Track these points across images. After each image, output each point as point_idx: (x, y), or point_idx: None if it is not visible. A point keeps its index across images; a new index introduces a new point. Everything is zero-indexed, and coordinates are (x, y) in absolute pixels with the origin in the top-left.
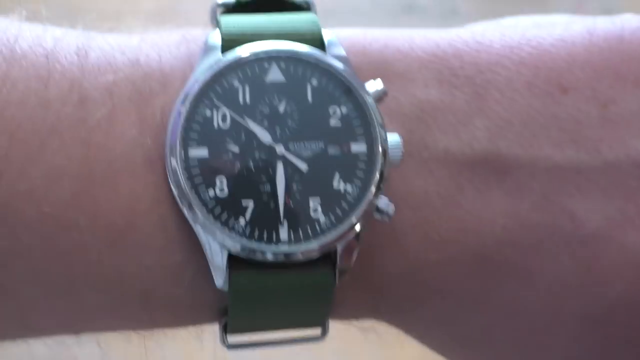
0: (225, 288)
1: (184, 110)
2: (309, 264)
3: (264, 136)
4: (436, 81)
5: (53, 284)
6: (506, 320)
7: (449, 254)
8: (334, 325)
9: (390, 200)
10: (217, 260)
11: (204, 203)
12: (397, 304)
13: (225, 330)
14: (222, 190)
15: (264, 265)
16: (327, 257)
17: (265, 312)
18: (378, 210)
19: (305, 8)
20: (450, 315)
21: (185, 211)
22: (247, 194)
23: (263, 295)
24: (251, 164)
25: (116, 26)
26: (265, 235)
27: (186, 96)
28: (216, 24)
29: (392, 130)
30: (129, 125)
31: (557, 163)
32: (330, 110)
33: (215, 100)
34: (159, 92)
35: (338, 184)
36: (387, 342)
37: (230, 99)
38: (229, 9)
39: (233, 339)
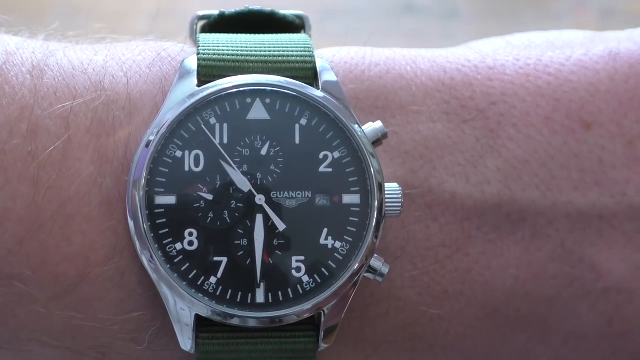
0: (192, 351)
1: (152, 149)
2: (288, 328)
3: (243, 184)
4: (443, 114)
5: None
6: None
7: (453, 307)
8: None
9: (387, 252)
10: (183, 321)
11: (169, 258)
12: (396, 356)
13: None
14: (191, 244)
15: (236, 329)
16: (311, 320)
17: None
18: (370, 269)
19: (298, 25)
20: None
21: (147, 264)
22: (221, 250)
23: None
24: (226, 215)
25: (116, 27)
26: (239, 298)
27: (156, 132)
28: (195, 40)
29: (391, 171)
30: (87, 161)
31: (578, 208)
32: (321, 155)
33: (188, 139)
34: (123, 121)
35: (326, 240)
36: None
37: (205, 138)
38: (211, 24)
39: None
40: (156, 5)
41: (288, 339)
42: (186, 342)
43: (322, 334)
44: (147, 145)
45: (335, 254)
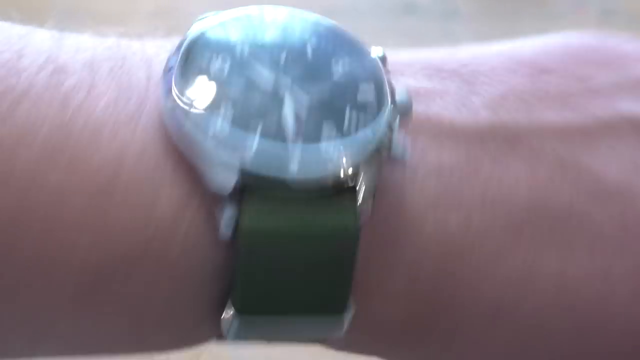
0: (230, 230)
1: (179, 52)
2: (326, 197)
3: (268, 74)
4: (424, 75)
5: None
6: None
7: (474, 224)
8: None
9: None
10: (222, 183)
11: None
12: (400, 339)
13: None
14: (225, 116)
15: (276, 198)
16: (345, 192)
17: (281, 275)
18: (392, 147)
19: None
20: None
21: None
22: (255, 119)
23: (278, 239)
24: (257, 93)
25: (116, 27)
26: (275, 161)
27: (181, 43)
28: None
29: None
30: (111, 90)
31: (560, 125)
32: (333, 61)
33: (214, 45)
34: (142, 64)
35: (350, 112)
36: None
37: (230, 46)
38: None
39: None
40: (156, 5)
41: (330, 206)
42: (227, 213)
43: (358, 213)
44: (174, 56)
45: (362, 116)
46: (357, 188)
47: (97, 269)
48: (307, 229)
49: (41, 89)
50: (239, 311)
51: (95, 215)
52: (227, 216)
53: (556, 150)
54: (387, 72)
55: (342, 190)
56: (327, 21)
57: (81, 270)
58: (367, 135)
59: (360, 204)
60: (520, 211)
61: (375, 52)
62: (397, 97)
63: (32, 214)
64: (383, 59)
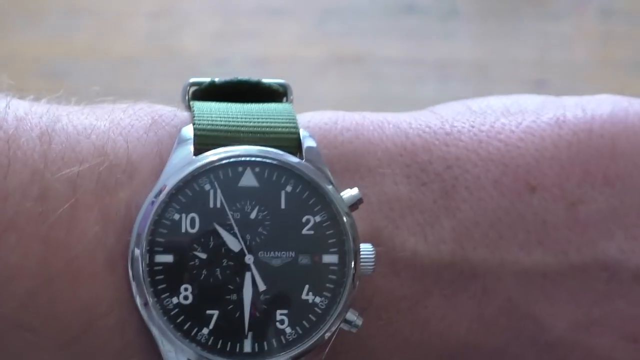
0: None
1: (152, 210)
2: None
3: (234, 244)
4: (405, 177)
5: None
6: None
7: (414, 355)
8: None
9: (356, 305)
10: None
11: (166, 310)
12: None
13: None
14: (186, 298)
15: None
16: None
17: None
18: (347, 322)
19: (281, 92)
20: None
21: (145, 316)
22: (213, 303)
23: None
24: (219, 272)
25: (116, 27)
26: (228, 347)
27: (157, 195)
28: (188, 105)
29: (361, 229)
30: (92, 222)
31: (523, 266)
32: (304, 219)
33: (185, 203)
34: (124, 183)
35: (307, 295)
36: None
37: (200, 203)
38: (202, 90)
39: None
40: (156, 5)
41: None
42: None
43: None
44: (150, 207)
45: (315, 308)
46: None
47: None
48: None
49: (25, 220)
50: None
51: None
52: None
53: (509, 293)
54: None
55: None
56: None
57: None
58: (320, 334)
59: None
60: (453, 347)
61: (350, 194)
62: (361, 262)
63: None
64: (358, 202)
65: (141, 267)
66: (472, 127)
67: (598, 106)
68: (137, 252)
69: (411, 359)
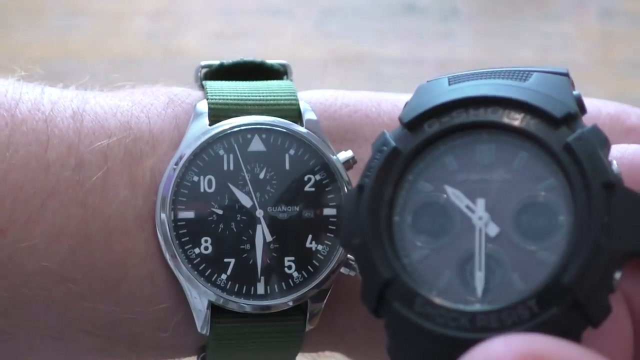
0: (206, 333)
1: (174, 175)
2: (283, 313)
3: (246, 201)
4: None
5: (50, 329)
6: None
7: None
8: None
9: None
10: (200, 309)
11: (189, 259)
12: (355, 343)
13: None
14: (206, 249)
15: (242, 315)
16: (299, 307)
17: (241, 352)
18: (347, 265)
19: (282, 71)
20: None
21: (172, 265)
22: (229, 253)
23: (241, 340)
24: (233, 226)
25: (116, 27)
26: (244, 290)
27: (178, 161)
28: (200, 85)
29: None
30: (122, 186)
31: None
32: (306, 178)
33: (202, 167)
34: (148, 153)
35: (311, 244)
36: None
37: (216, 166)
38: (212, 72)
39: None
40: (156, 5)
41: (282, 322)
42: (203, 326)
43: (308, 317)
44: (172, 172)
45: (318, 255)
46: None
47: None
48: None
49: (65, 187)
50: None
51: (102, 313)
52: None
53: None
54: None
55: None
56: None
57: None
58: (322, 277)
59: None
60: None
61: (345, 155)
62: None
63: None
64: (352, 162)
65: (167, 223)
66: None
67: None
68: (163, 211)
69: None
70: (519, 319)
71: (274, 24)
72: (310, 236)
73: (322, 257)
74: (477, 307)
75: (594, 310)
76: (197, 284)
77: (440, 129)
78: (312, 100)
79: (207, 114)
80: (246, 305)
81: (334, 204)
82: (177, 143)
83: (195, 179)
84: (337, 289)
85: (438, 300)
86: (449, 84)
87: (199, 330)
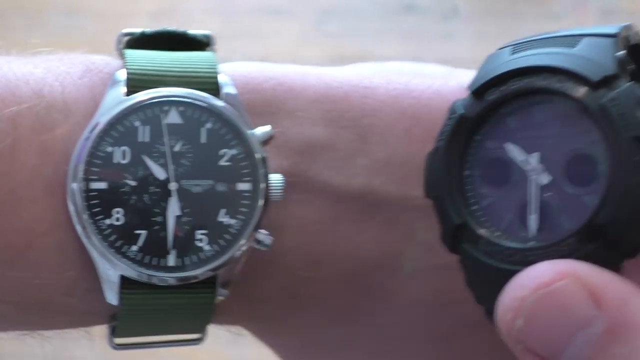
0: (116, 303)
1: (87, 144)
2: (194, 285)
3: (159, 173)
4: (324, 120)
5: None
6: (363, 333)
7: (322, 272)
8: None
9: (271, 226)
10: (109, 280)
11: (100, 230)
12: (271, 313)
13: (114, 333)
14: (118, 220)
15: (152, 287)
16: (210, 279)
17: (151, 323)
18: (258, 241)
19: (205, 42)
20: (315, 324)
21: (82, 235)
22: (141, 224)
23: (150, 311)
24: (146, 198)
25: (116, 27)
26: (154, 262)
27: (92, 130)
28: (121, 53)
29: (278, 163)
30: (32, 154)
31: (424, 202)
32: (221, 152)
33: (117, 138)
34: (61, 122)
35: (223, 217)
36: None
37: (130, 137)
38: (135, 40)
39: (120, 340)
40: (156, 5)
41: (192, 294)
42: (112, 297)
43: (218, 290)
44: (85, 142)
45: (230, 229)
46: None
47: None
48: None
49: None
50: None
51: (10, 280)
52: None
53: (410, 223)
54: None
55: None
56: None
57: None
58: (233, 252)
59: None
60: (356, 267)
61: (262, 130)
62: (271, 190)
63: None
64: (269, 138)
65: (78, 193)
66: (389, 83)
67: None
68: (74, 180)
69: (319, 275)
70: (562, 254)
71: (274, 24)
72: (223, 210)
73: (234, 231)
74: (529, 244)
75: (627, 245)
76: (107, 254)
77: (499, 95)
78: (235, 73)
79: (124, 83)
80: (156, 277)
81: (249, 178)
82: (92, 113)
83: (109, 149)
84: (252, 259)
85: (498, 240)
86: (512, 53)
87: (107, 300)
